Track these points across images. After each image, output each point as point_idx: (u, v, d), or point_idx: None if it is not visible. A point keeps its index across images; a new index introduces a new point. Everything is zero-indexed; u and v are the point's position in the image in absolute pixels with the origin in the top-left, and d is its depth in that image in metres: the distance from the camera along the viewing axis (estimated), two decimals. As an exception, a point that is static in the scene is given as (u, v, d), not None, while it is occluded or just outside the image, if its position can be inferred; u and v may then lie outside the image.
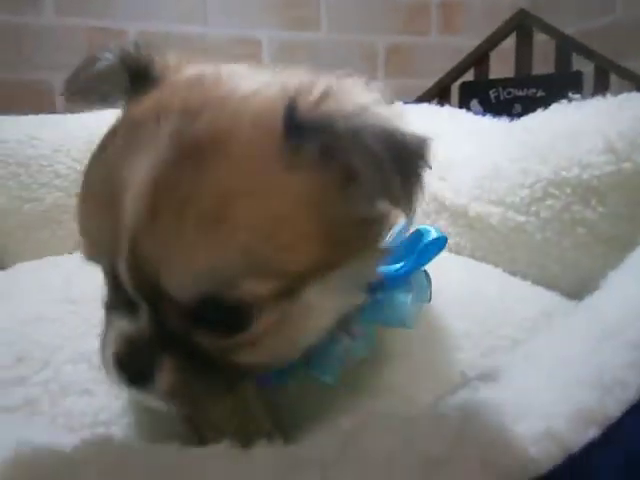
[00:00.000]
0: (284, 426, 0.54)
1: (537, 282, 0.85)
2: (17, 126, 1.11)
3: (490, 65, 2.15)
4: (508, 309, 0.74)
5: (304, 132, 0.40)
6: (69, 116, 1.19)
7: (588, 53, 1.93)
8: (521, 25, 2.05)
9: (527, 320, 0.71)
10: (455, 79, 2.17)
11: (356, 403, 0.54)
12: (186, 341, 0.42)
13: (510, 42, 2.10)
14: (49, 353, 0.60)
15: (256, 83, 0.44)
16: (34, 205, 1.05)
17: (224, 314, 0.40)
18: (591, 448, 0.32)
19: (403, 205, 0.40)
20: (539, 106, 0.98)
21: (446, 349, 0.64)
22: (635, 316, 0.44)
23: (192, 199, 0.38)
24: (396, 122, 0.39)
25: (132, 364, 0.42)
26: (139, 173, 0.38)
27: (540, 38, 2.09)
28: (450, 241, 0.98)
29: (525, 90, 2.07)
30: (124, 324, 0.42)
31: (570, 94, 0.93)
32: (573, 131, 0.84)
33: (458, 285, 0.77)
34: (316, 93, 0.41)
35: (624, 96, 0.86)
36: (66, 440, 0.38)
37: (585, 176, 0.79)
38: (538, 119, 0.96)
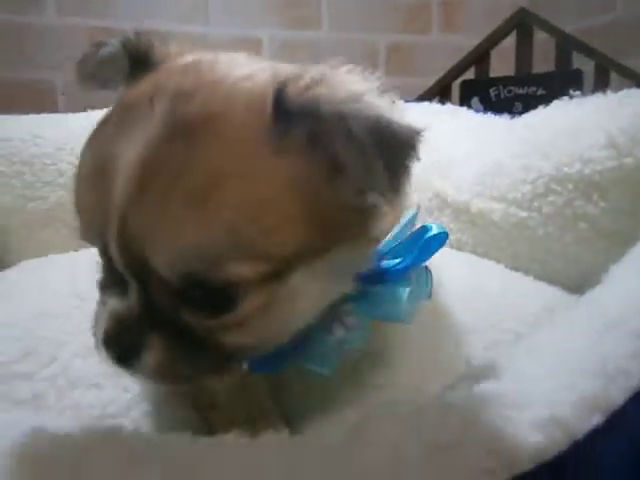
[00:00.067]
0: (289, 418, 0.54)
1: (539, 277, 0.85)
2: (20, 125, 1.11)
3: (491, 63, 2.15)
4: (510, 304, 0.75)
5: (292, 117, 0.40)
6: (71, 115, 1.19)
7: (588, 51, 1.94)
8: (521, 23, 2.05)
9: (529, 315, 0.72)
10: (456, 77, 2.18)
11: (360, 395, 0.55)
12: (175, 320, 0.42)
13: (510, 40, 2.10)
14: (55, 348, 0.61)
15: (250, 69, 0.44)
16: (38, 204, 1.05)
17: (210, 294, 0.41)
18: (595, 435, 0.33)
19: (388, 193, 0.40)
20: (539, 104, 0.98)
21: (450, 343, 0.65)
22: (638, 309, 0.44)
23: (180, 177, 0.38)
24: (389, 112, 0.39)
25: (121, 342, 0.43)
26: (130, 152, 0.39)
27: (540, 36, 2.09)
28: (452, 237, 0.98)
29: (525, 88, 2.08)
30: (115, 303, 0.43)
31: (571, 92, 0.94)
32: (574, 127, 0.85)
33: (460, 281, 0.77)
34: (306, 79, 0.41)
35: (624, 92, 0.86)
36: (77, 428, 0.39)
37: (587, 171, 0.79)
38: (539, 116, 0.96)
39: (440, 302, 0.67)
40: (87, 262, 0.47)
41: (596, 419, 0.33)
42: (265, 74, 0.44)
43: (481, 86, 2.16)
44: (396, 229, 0.55)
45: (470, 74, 2.18)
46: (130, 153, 0.39)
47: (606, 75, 1.91)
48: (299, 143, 0.40)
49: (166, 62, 0.48)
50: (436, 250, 0.56)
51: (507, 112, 1.13)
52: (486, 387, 0.40)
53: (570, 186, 0.81)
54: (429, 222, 0.57)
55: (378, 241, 0.50)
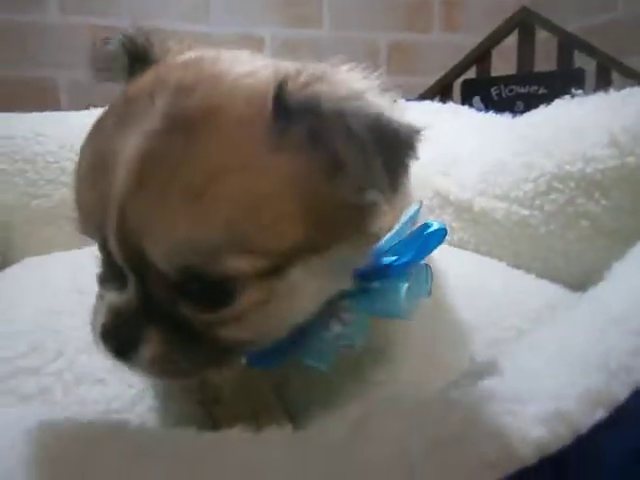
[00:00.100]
0: (292, 413, 0.54)
1: (541, 275, 0.86)
2: (23, 123, 1.11)
3: (492, 62, 2.14)
4: (512, 302, 0.75)
5: (292, 113, 0.40)
6: (74, 113, 1.20)
7: (590, 50, 1.93)
8: (523, 22, 2.05)
9: (531, 312, 0.72)
10: (457, 77, 2.17)
11: (363, 390, 0.55)
12: (172, 314, 0.42)
13: (512, 39, 2.10)
14: (61, 343, 0.61)
15: (252, 66, 0.44)
16: (41, 201, 1.05)
17: (208, 288, 0.41)
18: (598, 429, 0.33)
19: (387, 191, 0.40)
20: (541, 103, 0.98)
21: (452, 340, 0.65)
22: (640, 306, 0.44)
23: (179, 171, 0.38)
24: (389, 110, 0.40)
25: (118, 335, 0.43)
26: (130, 145, 0.39)
27: (542, 35, 2.09)
28: (454, 236, 0.99)
29: (527, 87, 2.07)
30: (113, 296, 0.43)
31: (573, 90, 0.94)
32: (576, 126, 0.85)
33: (463, 279, 0.78)
34: (307, 76, 0.41)
35: (627, 91, 0.86)
36: (83, 424, 0.39)
37: (589, 170, 0.79)
38: (541, 115, 0.97)
39: (442, 299, 0.67)
40: (90, 259, 0.47)
41: (599, 414, 0.33)
42: (267, 71, 0.44)
43: (482, 85, 2.15)
44: (397, 226, 0.55)
45: (471, 73, 2.18)
46: (130, 146, 0.39)
47: (608, 74, 1.91)
48: (299, 140, 0.40)
49: (167, 59, 0.48)
50: (435, 247, 0.55)
51: (509, 111, 1.14)
52: (489, 383, 0.40)
53: (572, 184, 0.82)
54: (431, 219, 0.57)
55: (377, 239, 0.50)
